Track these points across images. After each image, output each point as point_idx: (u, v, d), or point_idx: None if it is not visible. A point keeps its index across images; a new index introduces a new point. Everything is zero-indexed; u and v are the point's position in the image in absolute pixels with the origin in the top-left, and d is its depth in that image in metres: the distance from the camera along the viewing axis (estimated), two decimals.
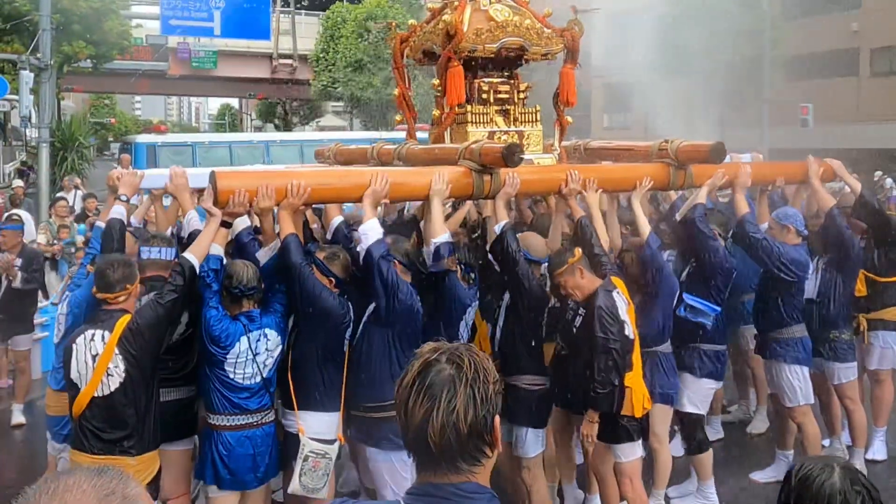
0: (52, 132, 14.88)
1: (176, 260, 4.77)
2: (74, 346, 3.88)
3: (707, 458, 5.48)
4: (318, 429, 4.36)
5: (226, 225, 4.26)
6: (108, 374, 3.84)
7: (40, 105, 13.79)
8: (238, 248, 4.54)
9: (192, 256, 4.09)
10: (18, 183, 14.03)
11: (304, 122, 44.44)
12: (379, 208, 4.69)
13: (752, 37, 21.08)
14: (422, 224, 5.47)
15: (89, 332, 3.90)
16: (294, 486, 4.35)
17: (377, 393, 4.36)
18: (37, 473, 5.33)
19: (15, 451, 7.32)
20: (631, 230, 5.70)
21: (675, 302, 5.26)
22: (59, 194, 13.79)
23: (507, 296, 4.99)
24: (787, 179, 6.09)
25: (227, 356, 4.14)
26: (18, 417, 7.69)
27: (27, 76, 12.97)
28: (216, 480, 4.24)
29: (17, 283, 7.45)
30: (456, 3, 5.81)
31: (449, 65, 5.47)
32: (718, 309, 5.30)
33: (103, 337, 3.87)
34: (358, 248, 4.70)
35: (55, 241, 11.15)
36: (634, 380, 4.66)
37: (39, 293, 8.26)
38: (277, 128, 43.96)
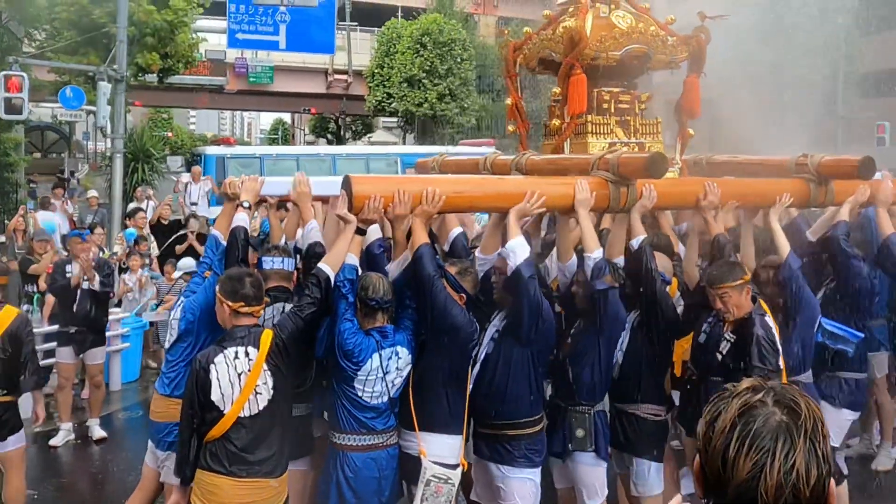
0: (124, 143, 15.03)
1: (294, 271, 4.64)
2: (213, 366, 3.68)
3: (843, 491, 5.11)
4: (440, 452, 4.11)
5: (360, 232, 4.08)
6: (257, 393, 3.67)
7: (114, 116, 13.93)
8: (367, 259, 4.33)
9: (328, 266, 3.92)
10: (93, 193, 14.15)
11: (357, 137, 44.62)
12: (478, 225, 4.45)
13: (826, 52, 20.49)
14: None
15: (230, 350, 3.71)
16: None
17: (512, 410, 4.19)
18: (126, 485, 5.19)
19: (98, 465, 7.20)
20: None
21: (815, 328, 4.92)
22: (131, 205, 13.87)
23: (632, 316, 4.69)
24: None
25: (359, 373, 3.93)
26: (99, 432, 7.58)
27: (105, 87, 13.09)
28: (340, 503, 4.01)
29: (95, 286, 7.32)
30: (571, 10, 5.60)
31: (572, 72, 5.24)
32: (861, 335, 4.95)
33: (248, 353, 3.69)
34: (478, 260, 4.48)
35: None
36: None
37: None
38: (330, 143, 44.17)
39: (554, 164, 4.95)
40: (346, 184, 4.03)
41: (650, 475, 4.56)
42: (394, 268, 4.28)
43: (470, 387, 4.24)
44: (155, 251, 11.71)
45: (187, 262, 9.80)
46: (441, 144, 26.87)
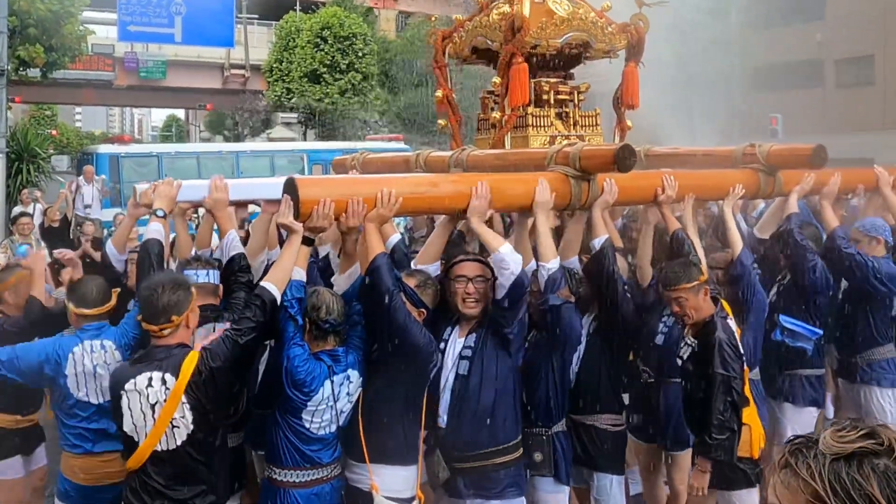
0: (6, 142, 13.82)
1: (217, 285, 4.14)
2: (124, 393, 3.18)
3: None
4: (394, 486, 3.69)
5: (308, 242, 3.60)
6: (174, 426, 3.16)
7: None
8: None
9: (272, 285, 3.42)
10: None
11: (255, 133, 43.31)
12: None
13: (721, 47, 21.08)
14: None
15: (143, 376, 3.18)
16: None
17: (499, 434, 3.78)
18: None
19: None
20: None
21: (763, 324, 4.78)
22: (16, 209, 12.78)
23: (587, 322, 4.40)
24: (866, 188, 5.66)
25: (308, 403, 3.48)
26: None
27: None
28: None
29: None
30: None
31: (513, 61, 4.92)
32: (820, 332, 4.83)
33: (164, 381, 3.17)
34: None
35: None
36: (751, 416, 4.14)
37: None
38: (227, 139, 42.65)
39: (501, 159, 4.60)
40: (291, 188, 3.50)
41: (612, 489, 4.29)
42: (342, 282, 3.84)
43: (445, 417, 3.83)
44: (46, 258, 10.76)
45: None
46: (344, 140, 26.19)
